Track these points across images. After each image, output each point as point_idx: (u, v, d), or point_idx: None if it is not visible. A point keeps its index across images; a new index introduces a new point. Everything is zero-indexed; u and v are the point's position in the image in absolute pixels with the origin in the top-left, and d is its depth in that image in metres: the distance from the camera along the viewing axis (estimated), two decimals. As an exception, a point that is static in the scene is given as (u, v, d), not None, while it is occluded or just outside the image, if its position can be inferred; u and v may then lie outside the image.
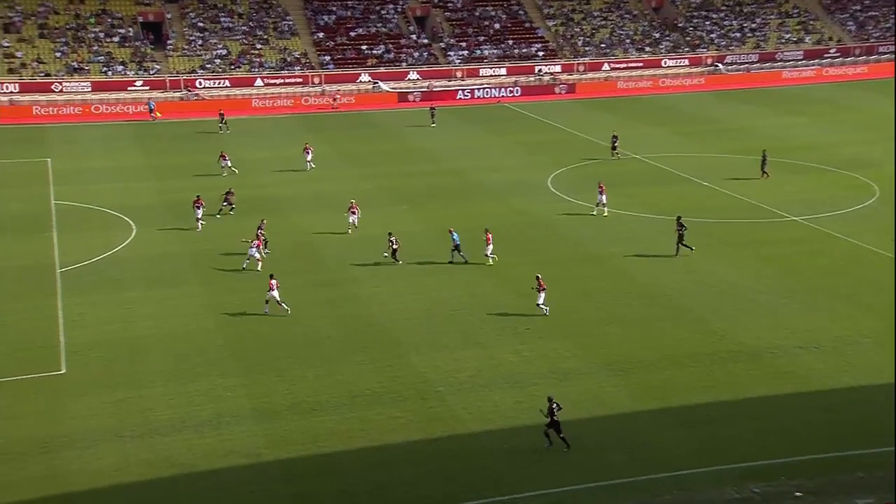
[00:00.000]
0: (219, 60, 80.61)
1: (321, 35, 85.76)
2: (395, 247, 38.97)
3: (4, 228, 43.24)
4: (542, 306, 33.64)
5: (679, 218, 40.24)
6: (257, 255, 38.21)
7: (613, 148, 57.27)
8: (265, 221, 41.43)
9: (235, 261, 39.29)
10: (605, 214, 45.32)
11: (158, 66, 79.04)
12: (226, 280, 37.64)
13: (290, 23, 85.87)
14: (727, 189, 50.27)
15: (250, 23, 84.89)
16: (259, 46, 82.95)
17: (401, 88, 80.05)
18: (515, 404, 27.83)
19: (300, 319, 33.88)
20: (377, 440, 25.92)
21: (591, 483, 24.04)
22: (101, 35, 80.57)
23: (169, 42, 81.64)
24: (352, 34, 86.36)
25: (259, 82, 78.65)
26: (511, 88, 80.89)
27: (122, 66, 78.02)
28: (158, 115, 69.99)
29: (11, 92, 72.76)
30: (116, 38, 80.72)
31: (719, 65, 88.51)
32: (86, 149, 60.71)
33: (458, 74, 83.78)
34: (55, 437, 25.79)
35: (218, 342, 31.94)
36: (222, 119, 65.44)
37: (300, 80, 79.98)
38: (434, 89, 79.80)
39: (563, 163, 56.62)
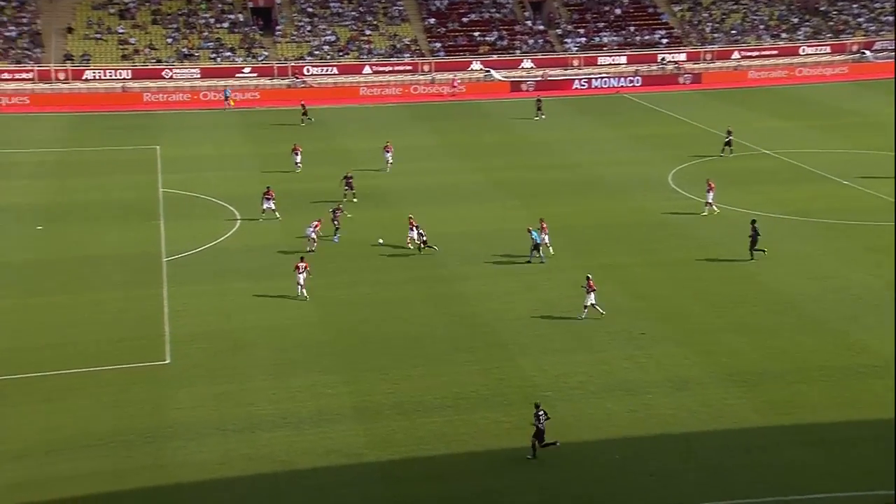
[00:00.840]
0: (327, 47, 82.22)
1: (432, 21, 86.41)
2: (424, 238, 39.32)
3: (114, 216, 45.28)
4: (597, 307, 33.23)
5: (754, 222, 39.23)
6: (313, 236, 39.36)
7: (727, 144, 55.56)
8: (342, 209, 42.47)
9: (340, 254, 40.06)
10: (716, 212, 44.13)
11: (266, 53, 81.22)
12: (331, 274, 38.42)
13: (401, 8, 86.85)
14: (870, 188, 48.23)
15: (360, 8, 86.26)
16: (368, 32, 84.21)
17: (514, 77, 79.90)
18: (629, 413, 27.46)
19: (405, 316, 34.30)
20: (482, 445, 26.01)
21: (710, 502, 23.49)
22: (212, 21, 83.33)
23: (278, 28, 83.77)
24: (464, 20, 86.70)
25: (367, 70, 79.93)
26: (631, 78, 79.66)
27: (230, 53, 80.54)
28: (233, 103, 71.35)
29: (124, 79, 76.07)
30: (226, 24, 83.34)
31: (867, 52, 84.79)
32: (193, 136, 62.89)
33: (575, 63, 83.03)
34: (160, 427, 26.89)
35: (320, 337, 32.65)
36: (304, 111, 65.79)
37: (409, 67, 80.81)
38: (549, 78, 79.36)
39: (685, 158, 55.46)
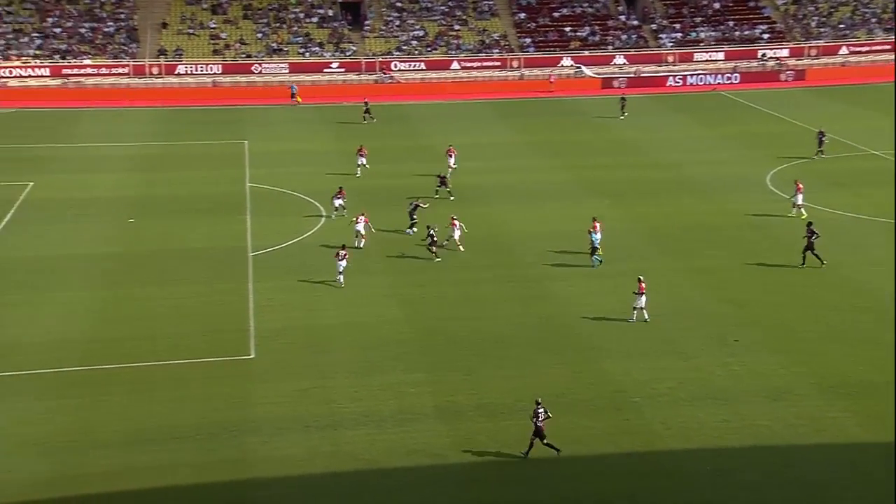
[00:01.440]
0: (415, 42, 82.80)
1: (522, 16, 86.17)
2: (435, 239, 39.34)
3: (201, 210, 46.44)
4: (643, 311, 32.88)
5: (810, 224, 38.06)
6: (363, 231, 39.96)
7: (820, 146, 53.81)
8: (421, 203, 42.74)
9: (420, 251, 40.34)
10: (803, 215, 42.94)
11: (355, 48, 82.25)
12: (415, 271, 38.69)
13: (491, 3, 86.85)
14: None
15: (449, 2, 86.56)
16: (457, 28, 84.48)
17: (605, 74, 79.10)
18: (722, 423, 26.91)
19: (489, 316, 34.32)
20: (567, 450, 25.83)
21: (807, 520, 22.87)
22: (301, 15, 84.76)
23: (366, 22, 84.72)
24: (555, 15, 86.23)
25: (455, 65, 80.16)
26: (729, 75, 78.01)
27: (319, 48, 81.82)
28: (299, 99, 71.80)
29: (214, 73, 78.04)
30: (315, 19, 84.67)
31: None
32: (281, 131, 63.89)
33: (670, 59, 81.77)
34: (244, 421, 27.47)
35: (403, 335, 32.90)
36: (367, 108, 65.33)
37: (498, 63, 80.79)
38: (642, 75, 78.31)
39: (785, 158, 54.05)
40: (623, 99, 67.27)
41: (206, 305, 35.45)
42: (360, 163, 51.64)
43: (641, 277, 33.65)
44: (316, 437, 26.67)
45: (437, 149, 57.56)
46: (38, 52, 78.52)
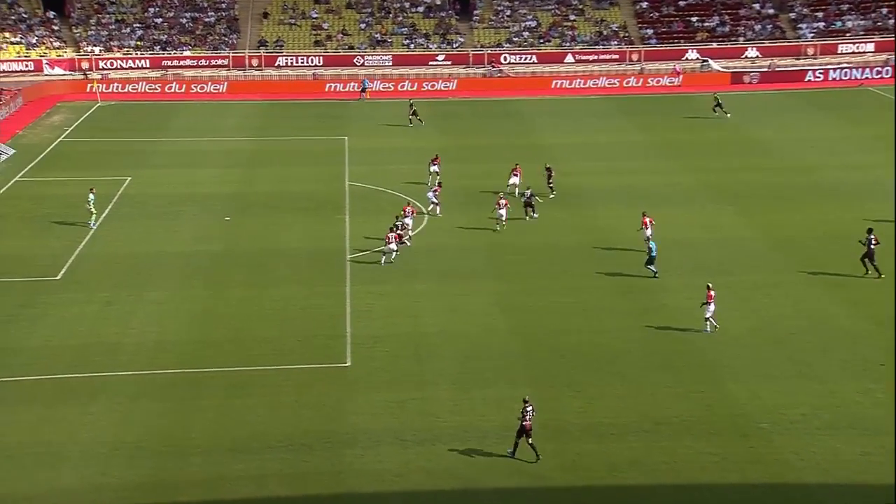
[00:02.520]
0: (527, 33, 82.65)
1: (644, 5, 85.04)
2: (399, 232, 40.30)
3: (299, 208, 47.35)
4: (711, 320, 32.78)
5: (870, 231, 36.68)
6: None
7: None
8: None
9: (525, 256, 40.19)
10: None
11: (462, 39, 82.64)
12: (523, 278, 38.63)
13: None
14: None
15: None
16: (572, 18, 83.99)
17: (735, 68, 77.38)
18: (862, 456, 25.97)
19: (599, 328, 33.99)
20: (684, 478, 25.33)
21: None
22: (407, 5, 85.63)
23: (476, 12, 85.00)
24: (680, 3, 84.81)
25: (569, 58, 79.75)
26: (879, 69, 75.20)
27: (424, 39, 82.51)
28: (368, 95, 72.29)
29: (315, 66, 79.62)
30: (421, 8, 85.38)
31: None
32: (382, 127, 64.75)
33: (810, 51, 79.45)
34: (338, 432, 27.86)
35: (508, 346, 32.84)
36: (413, 111, 64.06)
37: (615, 56, 79.96)
38: (777, 69, 76.31)
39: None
40: (716, 97, 64.96)
41: (303, 309, 36.14)
42: (431, 170, 50.37)
43: (710, 285, 33.37)
44: (412, 452, 26.84)
45: (550, 148, 57.34)
46: (139, 42, 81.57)
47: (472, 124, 65.18)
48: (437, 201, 46.02)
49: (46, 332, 34.17)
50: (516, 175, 48.28)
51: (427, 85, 76.23)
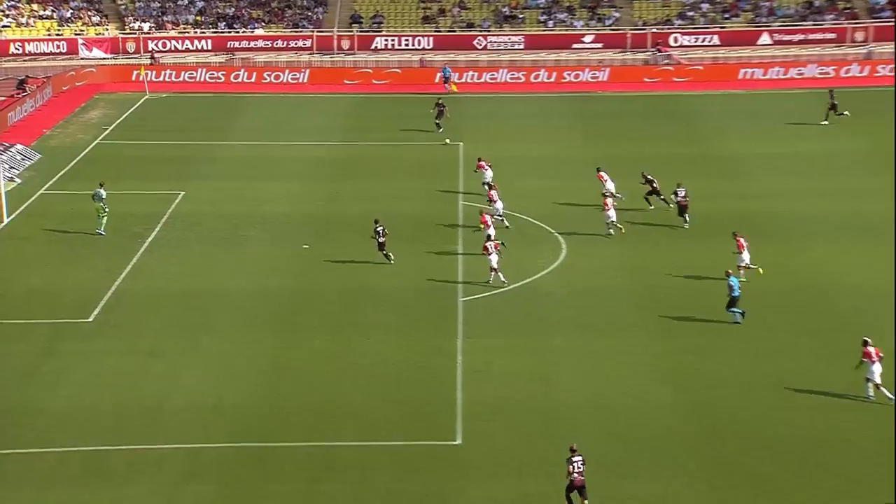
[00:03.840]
0: (706, 5, 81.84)
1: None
2: (381, 239, 42.82)
3: (399, 235, 47.29)
4: (882, 389, 33.01)
5: None
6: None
7: None
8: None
9: (706, 305, 39.76)
10: None
11: (618, 15, 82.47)
12: (692, 334, 38.19)
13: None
14: None
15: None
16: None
17: None
18: None
19: (802, 406, 33.31)
20: None
21: None
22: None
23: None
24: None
25: (764, 38, 78.67)
26: None
27: (567, 14, 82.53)
28: (454, 87, 72.78)
29: (423, 49, 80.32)
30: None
31: None
32: (507, 130, 65.22)
33: None
34: (443, 532, 27.93)
35: (673, 425, 32.38)
36: (440, 112, 64.41)
37: (832, 35, 78.34)
38: None
39: None
40: (832, 94, 63.92)
41: (398, 367, 36.35)
42: (484, 179, 51.80)
43: (868, 339, 33.53)
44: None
45: (733, 159, 56.64)
46: (198, 17, 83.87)
47: (626, 127, 64.91)
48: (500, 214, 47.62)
49: (74, 390, 35.08)
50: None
51: (569, 75, 76.26)
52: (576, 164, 57.44)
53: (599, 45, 79.93)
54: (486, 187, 50.59)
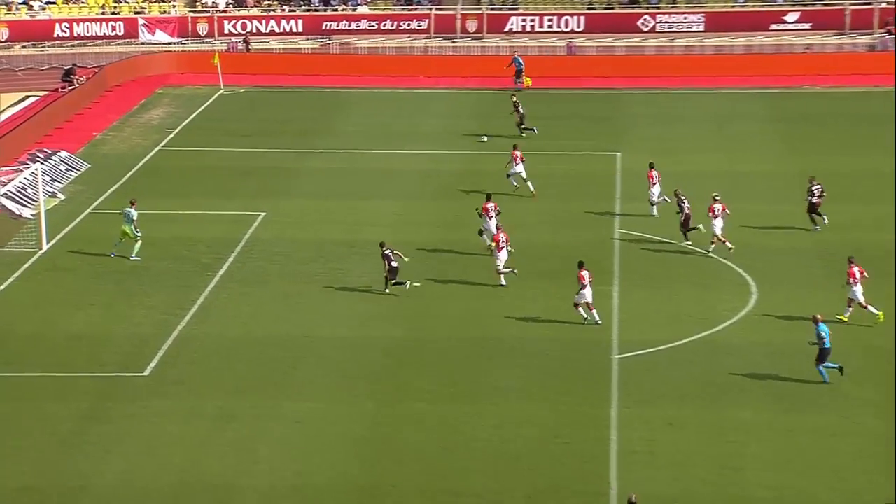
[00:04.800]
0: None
1: None
2: (393, 264, 45.09)
3: (535, 271, 47.29)
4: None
5: None
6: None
7: None
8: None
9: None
10: None
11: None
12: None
13: None
14: None
15: None
16: None
17: None
18: None
19: None
20: None
21: None
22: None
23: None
24: None
25: None
26: None
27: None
28: (529, 81, 73.03)
29: (570, 31, 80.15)
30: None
31: None
32: (679, 136, 65.10)
33: None
34: None
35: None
36: (520, 118, 65.76)
37: None
38: None
39: None
40: None
41: (536, 442, 35.96)
42: (513, 171, 55.41)
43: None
44: None
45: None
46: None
47: (844, 133, 64.00)
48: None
49: (125, 464, 35.21)
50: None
51: (765, 64, 75.31)
52: (773, 181, 56.97)
53: (806, 26, 78.80)
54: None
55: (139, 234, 48.86)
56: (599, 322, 42.77)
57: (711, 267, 48.10)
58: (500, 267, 46.33)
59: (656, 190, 52.87)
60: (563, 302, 44.90)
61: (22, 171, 55.99)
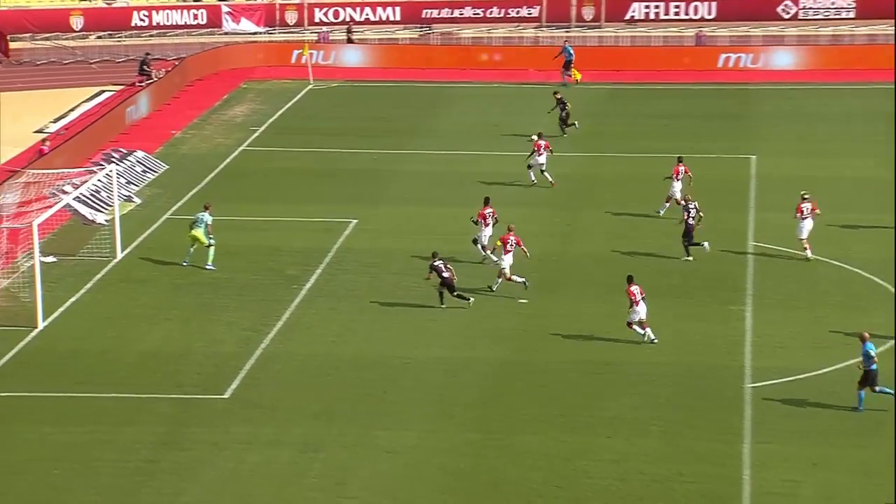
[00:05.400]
0: None
1: None
2: (444, 274, 45.53)
3: (660, 287, 46.89)
4: None
5: None
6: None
7: None
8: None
9: None
10: None
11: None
12: None
13: None
14: None
15: None
16: None
17: None
18: None
19: None
20: None
21: None
22: None
23: None
24: None
25: None
26: None
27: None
28: (578, 75, 73.78)
29: (701, 20, 79.58)
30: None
31: None
32: (823, 136, 64.83)
33: None
34: None
35: None
36: (565, 112, 66.30)
37: None
38: None
39: None
40: None
41: (659, 480, 35.57)
42: (534, 162, 57.88)
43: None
44: None
45: None
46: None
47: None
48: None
49: (203, 495, 35.29)
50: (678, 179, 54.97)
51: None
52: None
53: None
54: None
55: (213, 241, 48.93)
56: (655, 340, 42.66)
57: (857, 284, 47.55)
58: (507, 272, 46.38)
59: (678, 186, 53.73)
60: (687, 323, 44.99)
61: (95, 172, 56.09)
